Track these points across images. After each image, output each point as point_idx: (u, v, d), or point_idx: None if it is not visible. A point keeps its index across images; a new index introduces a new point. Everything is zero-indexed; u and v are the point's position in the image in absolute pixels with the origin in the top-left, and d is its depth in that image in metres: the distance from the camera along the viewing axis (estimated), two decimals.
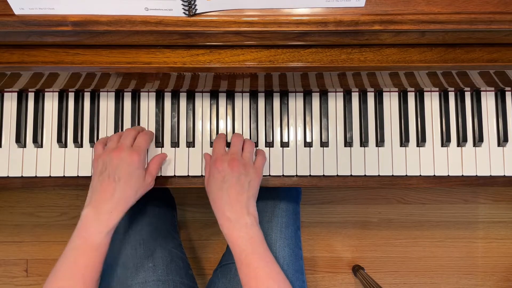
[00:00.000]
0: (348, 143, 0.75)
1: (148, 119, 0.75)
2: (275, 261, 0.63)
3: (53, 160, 0.74)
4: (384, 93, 0.75)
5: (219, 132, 0.75)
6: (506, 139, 0.74)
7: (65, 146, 0.75)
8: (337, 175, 0.75)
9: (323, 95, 0.75)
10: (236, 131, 0.75)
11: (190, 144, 0.75)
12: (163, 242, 0.82)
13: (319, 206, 1.41)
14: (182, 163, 0.74)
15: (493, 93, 0.75)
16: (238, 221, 0.63)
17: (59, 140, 0.75)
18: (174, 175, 0.74)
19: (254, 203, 0.66)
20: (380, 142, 0.74)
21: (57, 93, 0.75)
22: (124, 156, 0.64)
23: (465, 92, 0.75)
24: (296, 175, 0.75)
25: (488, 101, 0.75)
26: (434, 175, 0.74)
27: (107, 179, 0.63)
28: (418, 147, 0.75)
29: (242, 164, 0.66)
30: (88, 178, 0.74)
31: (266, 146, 0.75)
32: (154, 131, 0.75)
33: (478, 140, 0.74)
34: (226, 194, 0.64)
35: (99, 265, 0.62)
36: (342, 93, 0.76)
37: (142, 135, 0.69)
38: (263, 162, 0.71)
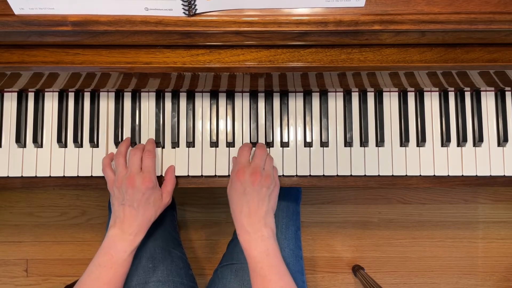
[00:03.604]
0: (348, 143, 0.74)
1: (148, 119, 0.75)
2: (289, 273, 0.65)
3: (53, 160, 0.74)
4: (384, 93, 0.75)
5: (219, 131, 0.75)
6: (506, 139, 0.74)
7: (65, 146, 0.75)
8: (337, 175, 0.75)
9: (323, 95, 0.75)
10: (236, 131, 0.75)
11: (190, 144, 0.75)
12: (163, 242, 0.82)
13: (319, 206, 1.41)
14: (182, 163, 0.74)
15: (493, 93, 0.75)
16: (255, 233, 0.65)
17: (59, 140, 0.75)
18: (174, 175, 0.74)
19: (272, 215, 0.68)
20: (380, 142, 0.74)
21: (57, 93, 0.75)
22: (137, 184, 0.67)
23: (465, 92, 0.75)
24: (296, 175, 0.75)
25: (488, 101, 0.75)
26: (434, 175, 0.74)
27: (128, 208, 0.67)
28: (418, 147, 0.75)
29: (264, 176, 0.67)
30: (88, 178, 0.74)
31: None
32: (154, 131, 0.75)
33: (478, 140, 0.74)
34: (247, 207, 0.66)
35: (121, 282, 0.66)
36: (342, 93, 0.76)
37: (147, 155, 0.70)
38: (277, 172, 0.72)
